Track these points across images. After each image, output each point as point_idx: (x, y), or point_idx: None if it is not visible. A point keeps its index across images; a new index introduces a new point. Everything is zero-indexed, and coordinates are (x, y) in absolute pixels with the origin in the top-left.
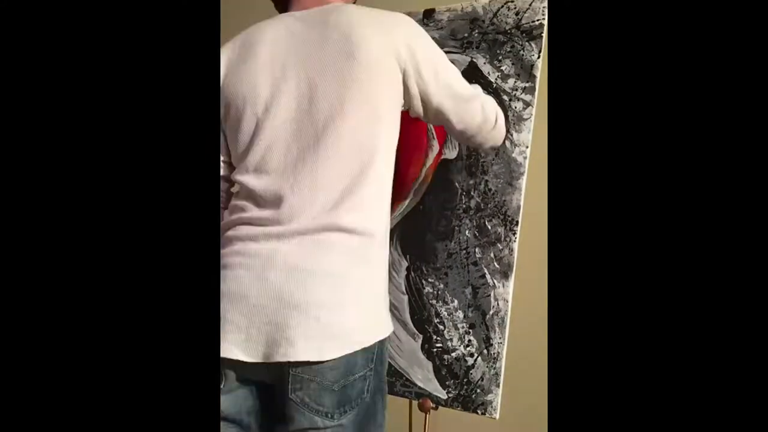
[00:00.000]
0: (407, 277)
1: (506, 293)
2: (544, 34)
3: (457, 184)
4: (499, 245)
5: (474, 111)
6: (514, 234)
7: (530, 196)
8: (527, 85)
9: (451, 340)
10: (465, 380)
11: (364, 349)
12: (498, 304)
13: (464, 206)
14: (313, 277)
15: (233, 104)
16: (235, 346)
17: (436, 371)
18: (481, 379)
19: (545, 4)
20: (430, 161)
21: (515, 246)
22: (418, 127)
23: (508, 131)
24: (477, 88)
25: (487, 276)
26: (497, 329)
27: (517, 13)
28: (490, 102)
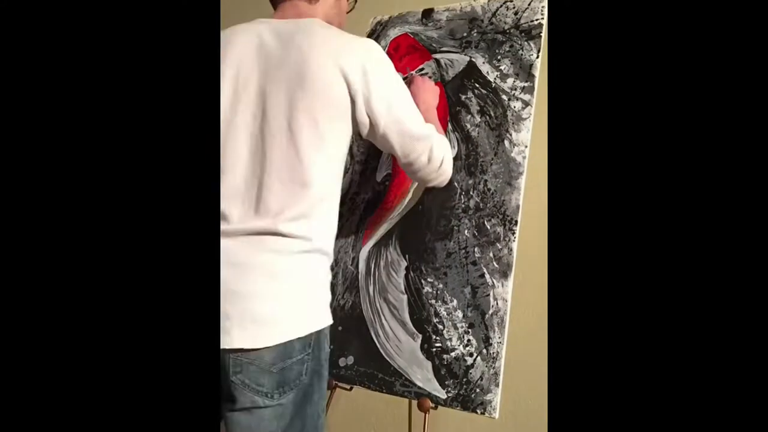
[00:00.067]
0: (406, 276)
1: (505, 293)
2: (543, 34)
3: (456, 183)
4: (498, 245)
5: (420, 150)
6: (513, 233)
7: (529, 195)
8: (526, 84)
9: (450, 339)
10: (464, 380)
11: (300, 338)
12: (497, 303)
13: (463, 206)
14: (251, 271)
15: None
16: None
17: (436, 371)
18: (481, 378)
19: (544, 3)
20: None
21: (514, 245)
22: None
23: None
24: (430, 128)
25: (487, 275)
26: (496, 329)
27: (516, 13)
28: (440, 143)
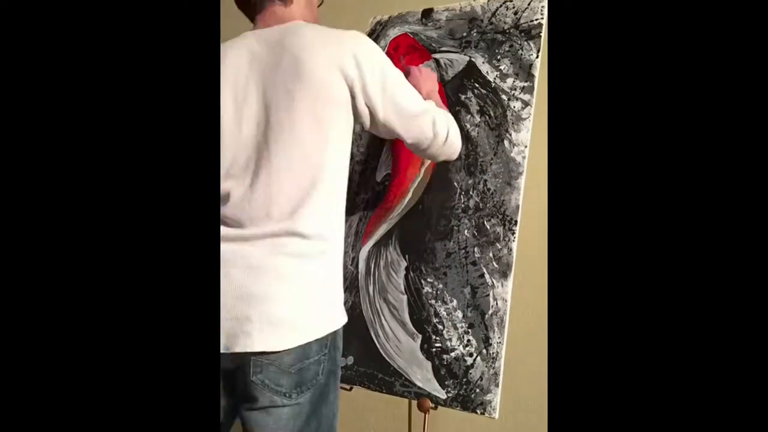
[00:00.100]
0: (406, 276)
1: (505, 293)
2: (543, 34)
3: (456, 183)
4: (498, 245)
5: (423, 126)
6: (513, 233)
7: (529, 195)
8: (526, 84)
9: (450, 339)
10: (464, 380)
11: (318, 339)
12: (497, 303)
13: (463, 206)
14: (268, 275)
15: None
16: None
17: (436, 371)
18: (481, 378)
19: (544, 3)
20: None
21: (514, 245)
22: None
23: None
24: (429, 104)
25: (486, 276)
26: (496, 329)
27: (515, 13)
28: (442, 116)
